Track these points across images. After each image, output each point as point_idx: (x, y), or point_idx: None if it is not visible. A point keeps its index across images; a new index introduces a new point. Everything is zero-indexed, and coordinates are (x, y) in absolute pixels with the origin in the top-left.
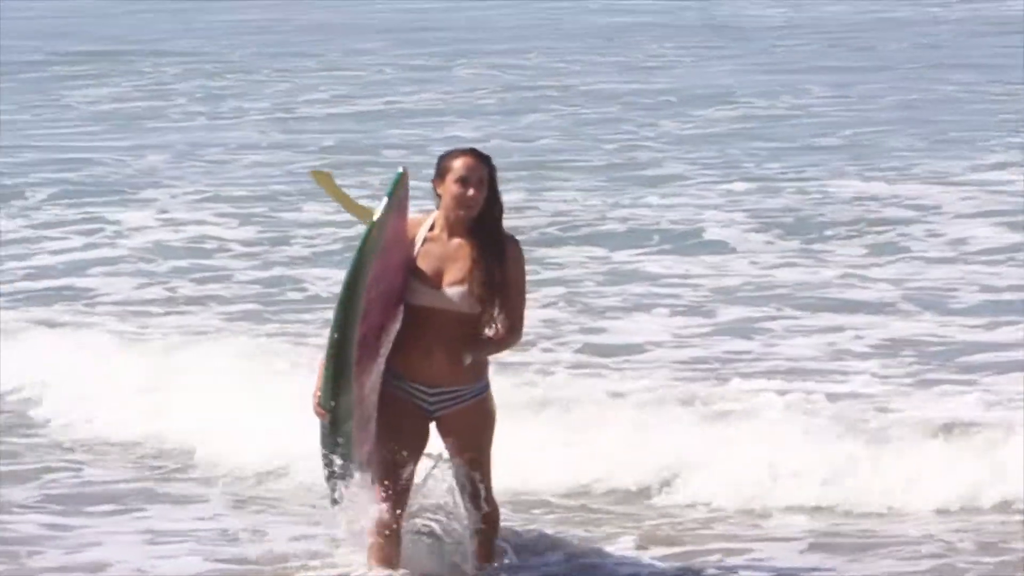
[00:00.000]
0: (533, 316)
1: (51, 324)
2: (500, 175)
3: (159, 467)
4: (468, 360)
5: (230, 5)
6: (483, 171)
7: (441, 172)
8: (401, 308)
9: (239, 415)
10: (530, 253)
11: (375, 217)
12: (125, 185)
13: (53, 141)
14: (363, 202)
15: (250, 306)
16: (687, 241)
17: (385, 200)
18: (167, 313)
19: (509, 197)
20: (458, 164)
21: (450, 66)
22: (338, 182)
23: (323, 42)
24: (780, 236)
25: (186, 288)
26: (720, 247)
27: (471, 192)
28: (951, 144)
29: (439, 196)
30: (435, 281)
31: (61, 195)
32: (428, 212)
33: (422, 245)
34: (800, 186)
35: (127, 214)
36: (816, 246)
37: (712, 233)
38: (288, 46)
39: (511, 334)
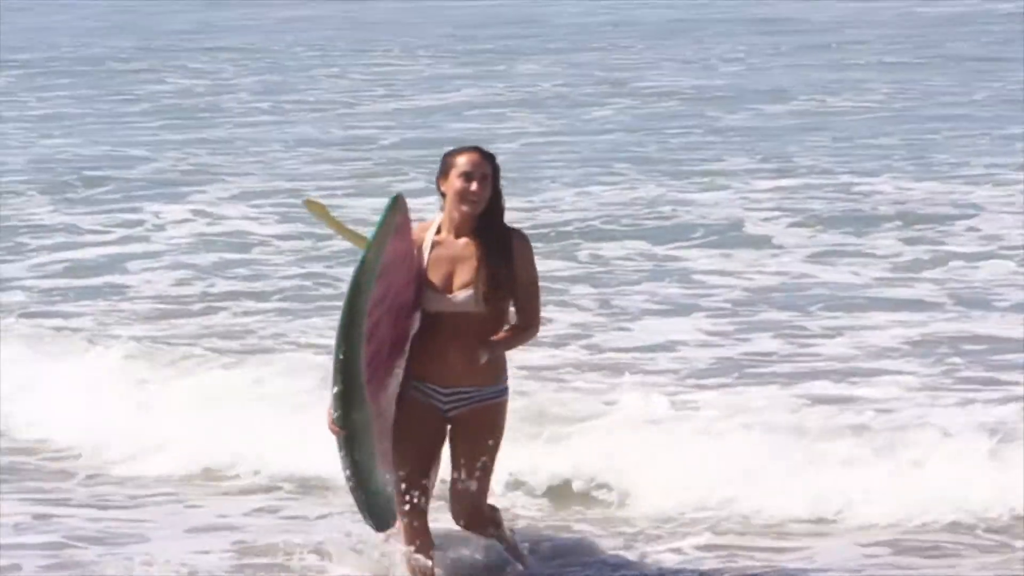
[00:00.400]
0: (564, 311)
1: (74, 329)
2: (554, 168)
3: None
4: (484, 358)
5: (288, 2)
6: (487, 168)
7: (445, 169)
8: (416, 317)
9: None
10: (574, 246)
11: (368, 243)
12: (176, 179)
13: (110, 135)
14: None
15: (276, 304)
16: (728, 235)
17: (376, 227)
18: (184, 316)
19: (559, 193)
20: (462, 160)
21: (511, 61)
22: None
23: (381, 37)
24: (823, 232)
25: (217, 285)
26: (761, 242)
27: (474, 187)
28: (1008, 141)
29: (443, 195)
30: (446, 285)
31: (112, 188)
32: (430, 219)
33: (431, 251)
34: (851, 183)
35: (173, 208)
36: (860, 243)
37: (754, 228)
38: (346, 41)
39: (526, 329)
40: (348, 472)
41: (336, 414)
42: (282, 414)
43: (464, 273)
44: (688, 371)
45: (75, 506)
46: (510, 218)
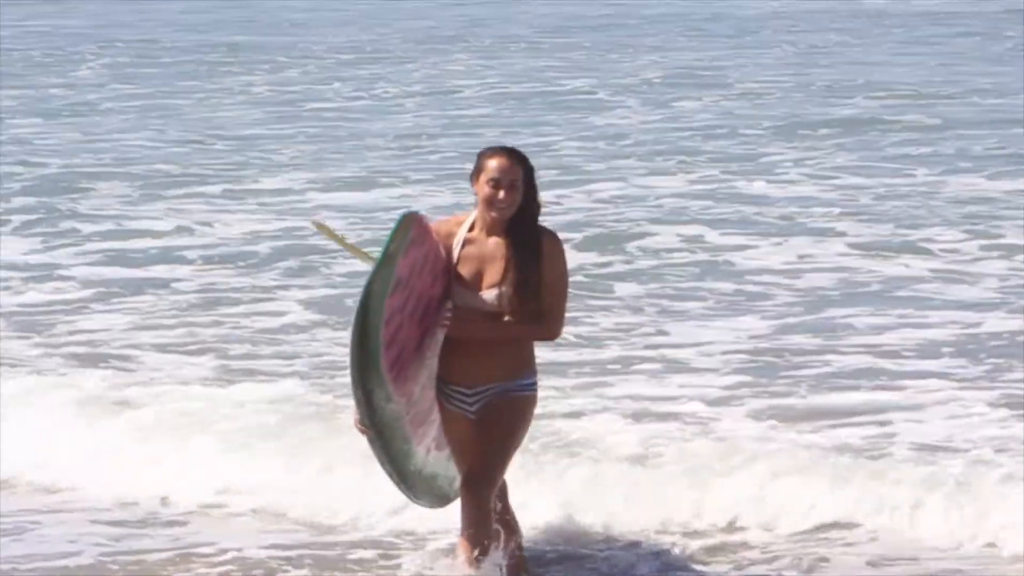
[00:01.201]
0: (612, 302)
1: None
2: (649, 160)
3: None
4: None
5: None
6: (517, 173)
7: (476, 171)
8: (446, 310)
9: None
10: (633, 237)
11: (374, 259)
12: (261, 170)
13: (208, 127)
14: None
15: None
16: (792, 230)
17: (384, 246)
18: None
19: (633, 184)
20: (491, 165)
21: (603, 54)
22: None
23: (472, 29)
24: (890, 229)
25: (264, 279)
26: (822, 236)
27: (502, 195)
28: None
29: (476, 194)
30: (475, 283)
31: (193, 179)
32: (464, 213)
33: (462, 248)
34: (928, 179)
35: (248, 201)
36: (925, 241)
37: (819, 222)
38: (438, 31)
39: (544, 327)
40: (384, 463)
41: (360, 416)
42: None
43: (493, 272)
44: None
45: None
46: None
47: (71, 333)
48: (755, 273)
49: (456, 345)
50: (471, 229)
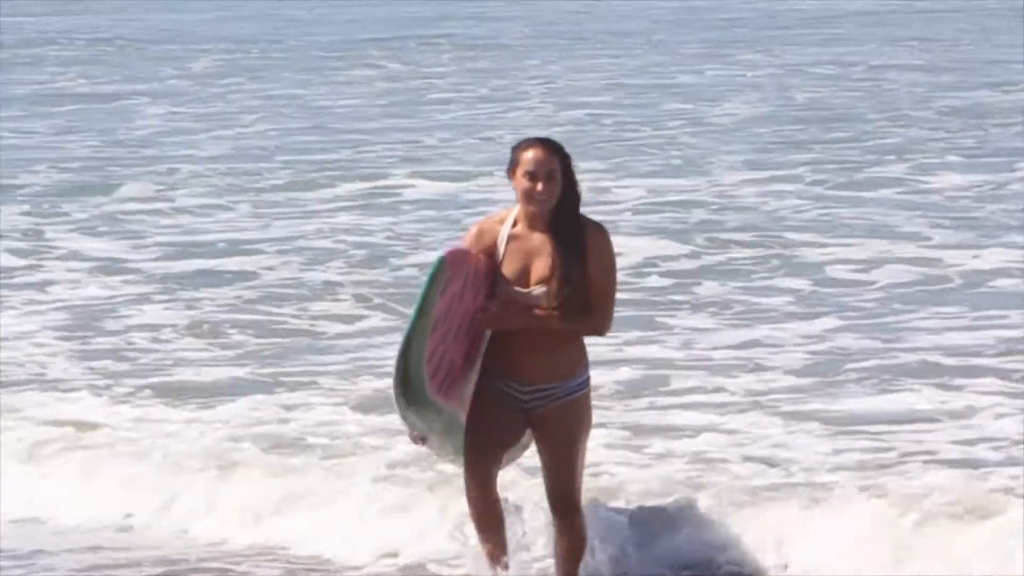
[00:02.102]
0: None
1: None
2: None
3: None
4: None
5: None
6: (553, 164)
7: (511, 165)
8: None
9: None
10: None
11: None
12: (374, 165)
13: (334, 118)
14: None
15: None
16: (877, 230)
17: (420, 296)
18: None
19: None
20: (527, 157)
21: (729, 50)
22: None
23: (584, 22)
24: (985, 230)
25: (337, 274)
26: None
27: (539, 187)
28: None
29: (515, 189)
30: (522, 280)
31: (306, 169)
32: (504, 210)
33: (508, 244)
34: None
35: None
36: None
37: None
38: (549, 25)
39: (596, 323)
40: (451, 458)
41: (411, 429)
42: None
43: (540, 268)
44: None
45: None
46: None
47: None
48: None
49: (509, 341)
50: (515, 225)
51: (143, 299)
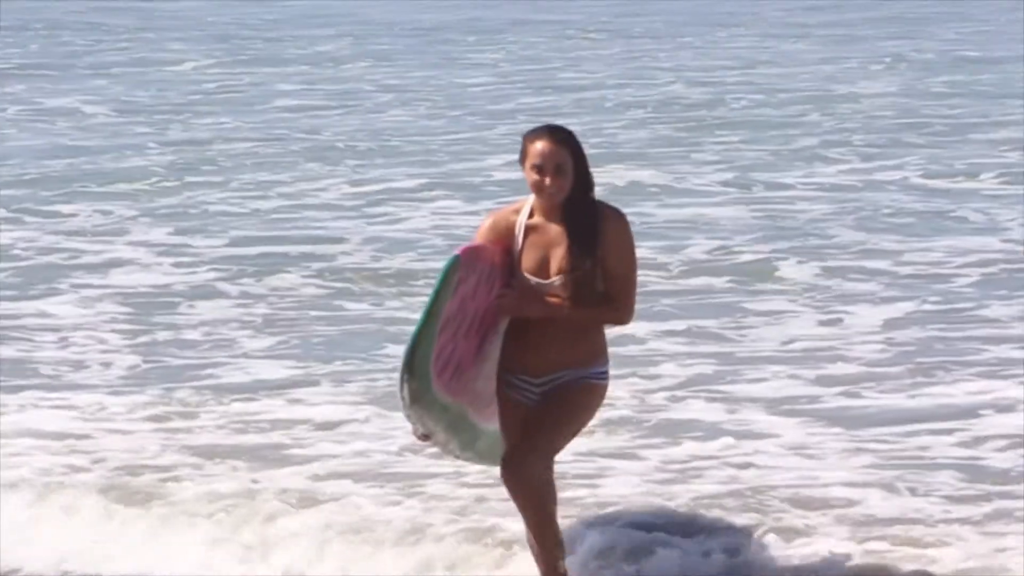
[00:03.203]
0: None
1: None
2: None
3: None
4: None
5: None
6: (562, 156)
7: (521, 155)
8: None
9: None
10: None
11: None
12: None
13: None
14: None
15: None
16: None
17: (428, 305)
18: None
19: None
20: (535, 149)
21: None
22: None
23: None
24: None
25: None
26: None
27: (548, 181)
28: None
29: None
30: (541, 272)
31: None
32: (520, 200)
33: (526, 236)
34: None
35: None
36: None
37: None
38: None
39: (616, 312)
40: (458, 455)
41: (416, 427)
42: None
43: (559, 259)
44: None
45: None
46: None
47: None
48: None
49: (523, 334)
50: (531, 215)
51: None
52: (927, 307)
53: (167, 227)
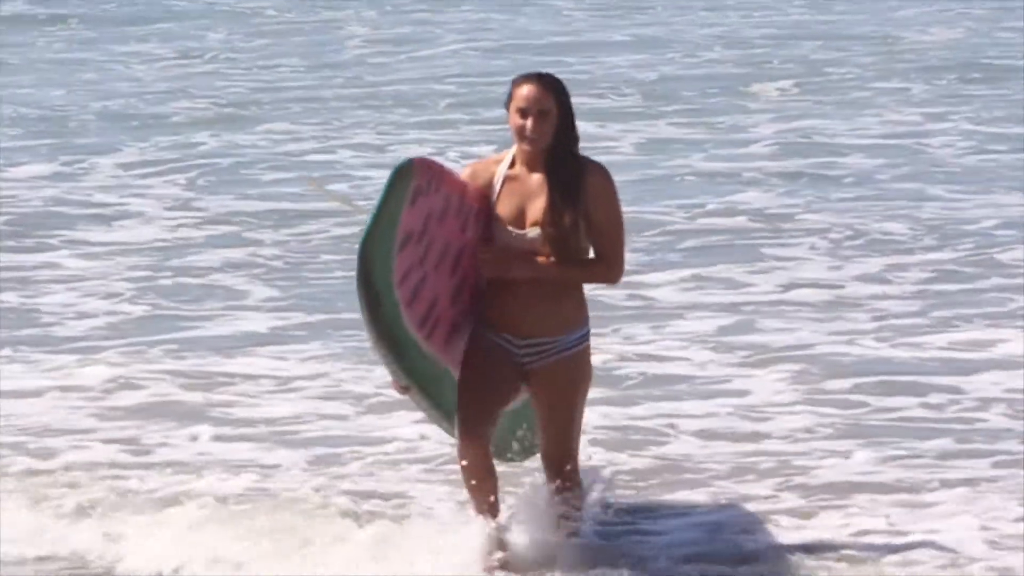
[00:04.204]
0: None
1: None
2: None
3: None
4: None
5: None
6: (548, 101)
7: (507, 100)
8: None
9: None
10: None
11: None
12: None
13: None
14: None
15: None
16: None
17: (379, 200)
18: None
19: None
20: (520, 93)
21: None
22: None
23: None
24: None
25: None
26: None
27: (530, 123)
28: None
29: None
30: (518, 223)
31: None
32: (504, 152)
33: (503, 185)
34: None
35: None
36: None
37: None
38: None
39: (606, 270)
40: (441, 424)
41: (395, 377)
42: None
43: (536, 210)
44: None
45: None
46: None
47: None
48: None
49: (503, 290)
50: (512, 165)
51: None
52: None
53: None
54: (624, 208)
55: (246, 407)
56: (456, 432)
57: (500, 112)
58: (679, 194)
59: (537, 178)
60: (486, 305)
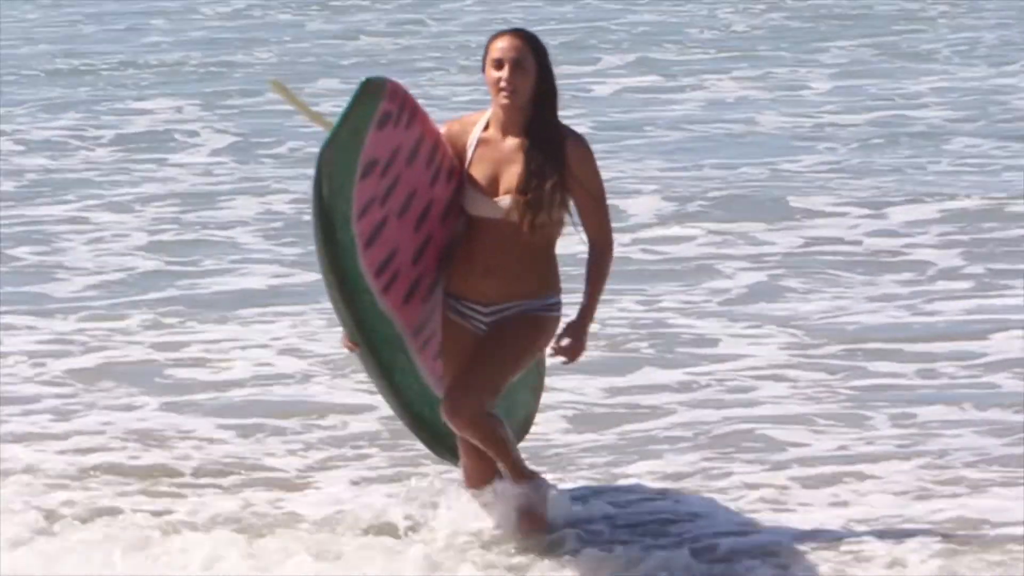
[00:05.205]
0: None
1: None
2: None
3: None
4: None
5: None
6: (524, 52)
7: (483, 57)
8: (452, 224)
9: None
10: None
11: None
12: None
13: None
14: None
15: None
16: None
17: (342, 113)
18: None
19: None
20: (495, 46)
21: None
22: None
23: None
24: None
25: None
26: None
27: (505, 73)
28: None
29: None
30: (490, 189)
31: None
32: (478, 112)
33: (476, 148)
34: None
35: None
36: None
37: None
38: None
39: (598, 252)
40: (385, 395)
41: (347, 331)
42: None
43: (511, 177)
44: None
45: None
46: None
47: None
48: None
49: (471, 256)
50: (486, 128)
51: None
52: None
53: None
54: None
55: None
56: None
57: None
58: None
59: (513, 143)
60: (454, 272)
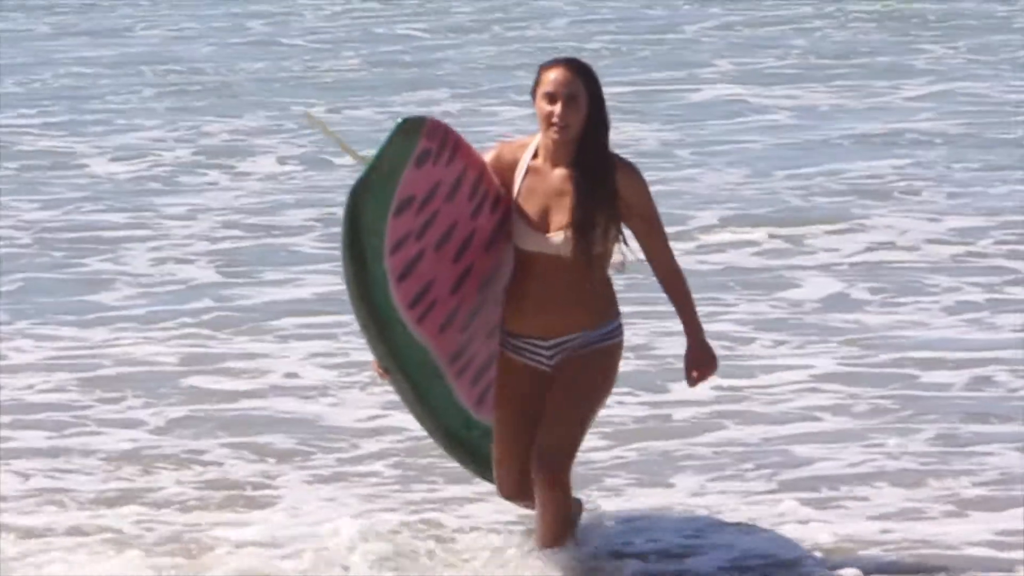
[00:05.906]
0: None
1: None
2: None
3: None
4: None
5: None
6: (576, 86)
7: (533, 87)
8: (497, 252)
9: None
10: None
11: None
12: None
13: None
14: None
15: None
16: None
17: (379, 149)
18: None
19: None
20: (548, 77)
21: None
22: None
23: None
24: None
25: None
26: None
27: (558, 109)
28: None
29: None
30: (541, 223)
31: None
32: (527, 137)
33: (524, 178)
34: None
35: None
36: None
37: None
38: None
39: (667, 270)
40: (419, 419)
41: (376, 355)
42: None
43: (562, 211)
44: None
45: None
46: None
47: None
48: None
49: (523, 292)
50: (535, 156)
51: None
52: None
53: None
54: None
55: None
56: (494, 455)
57: None
58: None
59: (560, 174)
60: (509, 309)
